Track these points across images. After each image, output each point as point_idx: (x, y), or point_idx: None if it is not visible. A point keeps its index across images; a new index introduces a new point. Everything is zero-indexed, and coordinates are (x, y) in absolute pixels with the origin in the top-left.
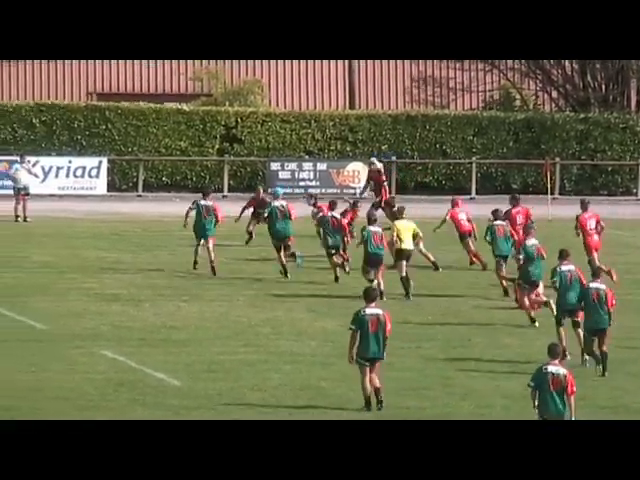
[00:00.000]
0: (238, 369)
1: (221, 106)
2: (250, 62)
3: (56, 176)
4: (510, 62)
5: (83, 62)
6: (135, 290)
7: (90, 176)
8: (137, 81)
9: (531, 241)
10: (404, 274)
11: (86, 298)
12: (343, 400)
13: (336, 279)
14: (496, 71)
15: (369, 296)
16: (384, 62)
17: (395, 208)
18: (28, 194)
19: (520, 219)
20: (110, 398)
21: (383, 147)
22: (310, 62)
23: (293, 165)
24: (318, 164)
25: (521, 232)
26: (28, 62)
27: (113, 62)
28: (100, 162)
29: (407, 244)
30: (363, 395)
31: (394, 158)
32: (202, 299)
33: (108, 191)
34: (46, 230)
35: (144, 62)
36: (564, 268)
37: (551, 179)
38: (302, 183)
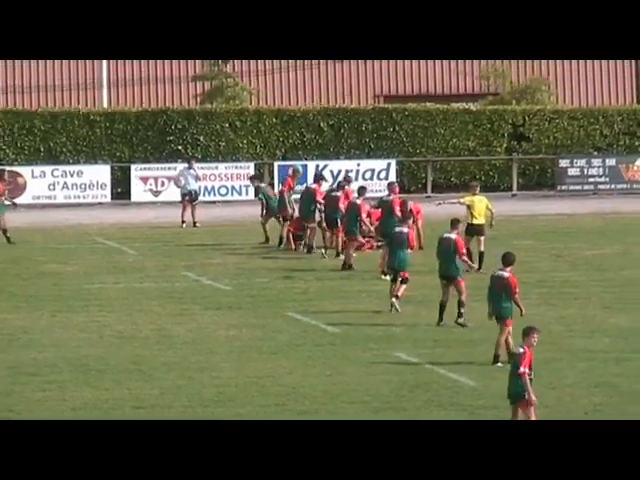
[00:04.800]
0: (533, 367)
1: (508, 105)
2: (536, 60)
3: None
4: None
5: (369, 65)
6: (427, 291)
7: (379, 178)
8: (423, 82)
9: None
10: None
11: (377, 300)
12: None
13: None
14: None
15: None
16: None
17: None
18: (196, 200)
19: None
20: (406, 399)
21: None
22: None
23: (582, 162)
24: (607, 160)
25: None
26: (314, 66)
27: (399, 64)
28: (389, 164)
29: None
30: None
31: None
32: None
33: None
34: None
35: (429, 63)
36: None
37: None
38: (591, 179)
